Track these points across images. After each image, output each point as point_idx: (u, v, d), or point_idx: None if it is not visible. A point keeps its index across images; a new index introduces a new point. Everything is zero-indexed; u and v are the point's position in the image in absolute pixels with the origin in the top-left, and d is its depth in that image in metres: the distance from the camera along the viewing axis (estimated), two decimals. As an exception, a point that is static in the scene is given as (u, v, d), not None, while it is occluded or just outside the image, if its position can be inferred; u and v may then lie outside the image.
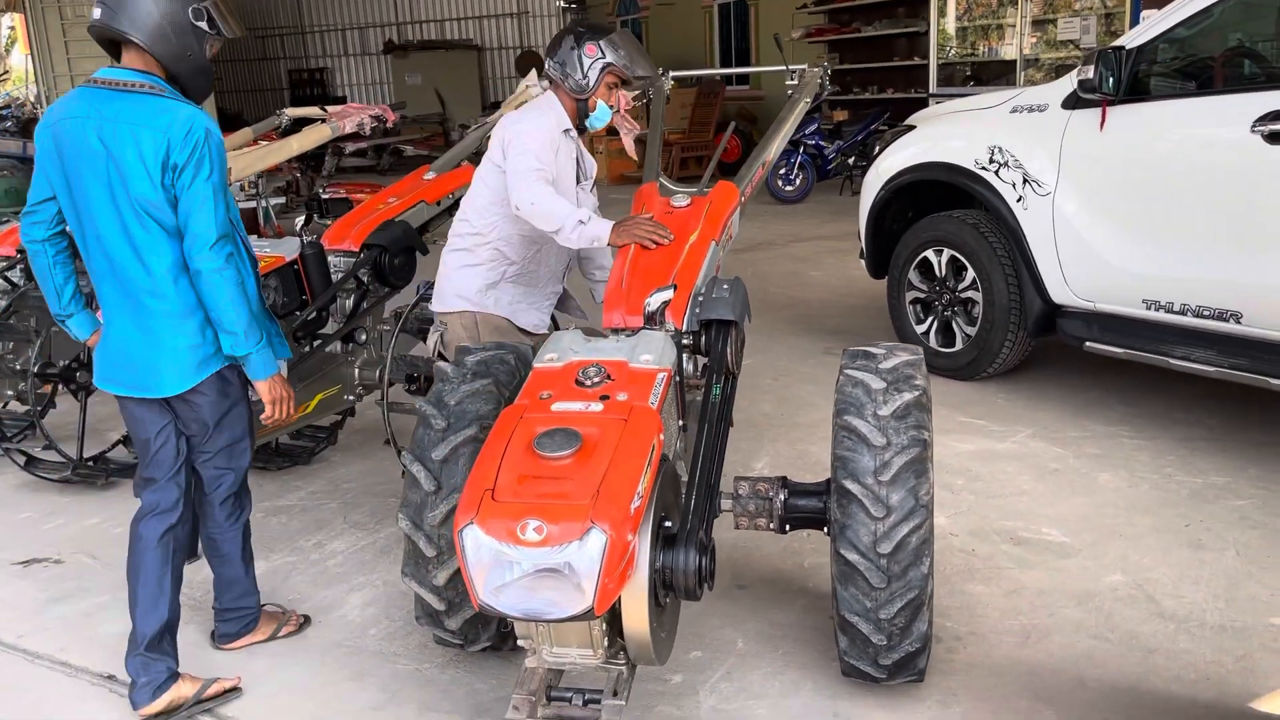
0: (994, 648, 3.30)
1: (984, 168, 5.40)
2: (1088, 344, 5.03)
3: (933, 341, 5.83)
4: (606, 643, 2.44)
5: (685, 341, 3.09)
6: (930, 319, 5.87)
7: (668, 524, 2.56)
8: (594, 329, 2.98)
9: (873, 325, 6.82)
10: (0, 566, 4.14)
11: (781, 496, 3.11)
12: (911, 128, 6.07)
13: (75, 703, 3.21)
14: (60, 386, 4.77)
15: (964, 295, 5.64)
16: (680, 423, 2.86)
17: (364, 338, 4.45)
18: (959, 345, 5.70)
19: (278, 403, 3.02)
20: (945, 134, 5.76)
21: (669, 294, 2.81)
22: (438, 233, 5.04)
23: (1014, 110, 5.35)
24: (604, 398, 2.52)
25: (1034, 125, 5.20)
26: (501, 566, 2.19)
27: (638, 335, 2.79)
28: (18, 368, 4.72)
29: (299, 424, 4.55)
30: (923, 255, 5.84)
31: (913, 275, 5.92)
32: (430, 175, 5.16)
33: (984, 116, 5.54)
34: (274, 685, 3.22)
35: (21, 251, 5.04)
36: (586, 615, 2.18)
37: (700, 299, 3.13)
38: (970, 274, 5.56)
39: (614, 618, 2.44)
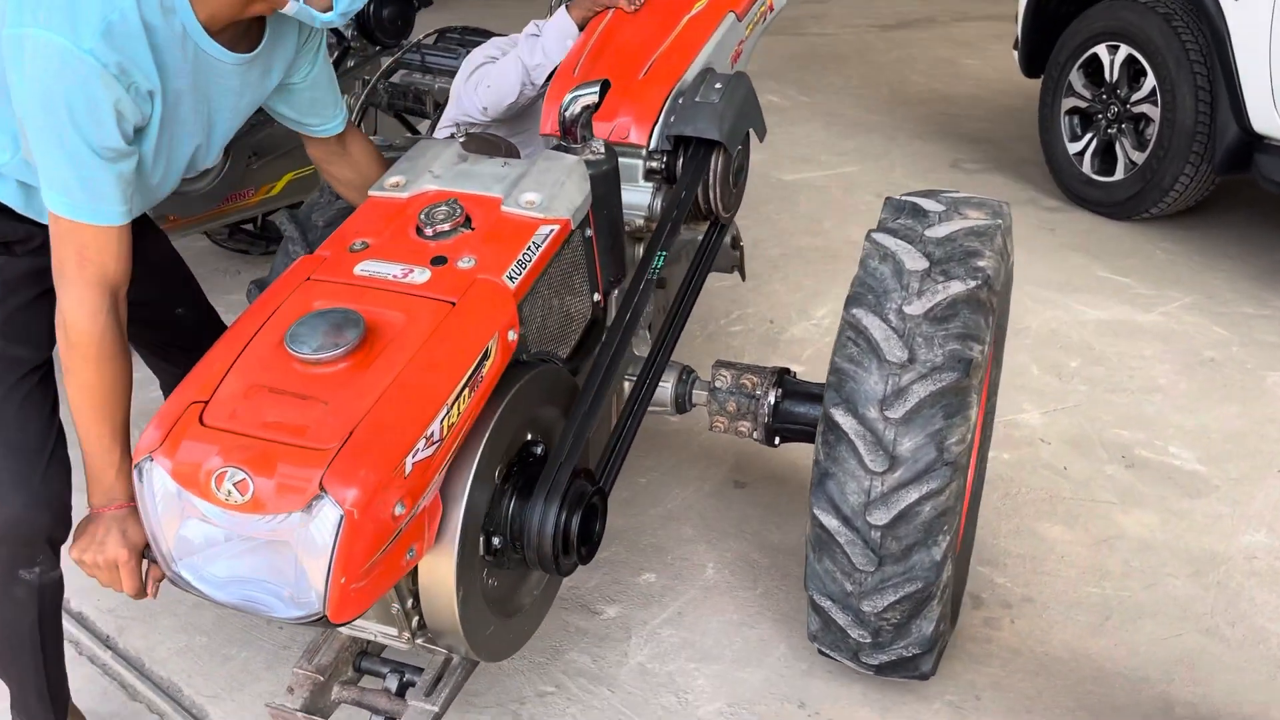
0: (1054, 627, 2.38)
1: (1192, -64, 3.97)
2: (1293, 192, 3.75)
3: (1087, 165, 4.56)
4: (417, 623, 1.64)
5: (653, 165, 2.11)
6: (1089, 136, 4.57)
7: (539, 451, 1.69)
8: (492, 136, 2.03)
9: (1022, 135, 5.50)
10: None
11: (772, 398, 2.19)
12: (1104, -126, 4.56)
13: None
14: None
15: (1137, 109, 4.32)
16: (598, 296, 1.92)
17: (340, 107, 3.56)
18: (1119, 174, 4.43)
19: None
20: (1147, -115, 4.27)
21: (594, 93, 1.81)
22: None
23: None
24: (438, 261, 1.61)
25: (1275, -123, 3.72)
26: (194, 526, 1.39)
27: (536, 158, 1.83)
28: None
29: (265, 206, 3.78)
30: (1092, 51, 4.49)
31: (1075, 77, 4.59)
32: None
33: None
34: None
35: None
36: (319, 622, 1.38)
37: (680, 101, 2.11)
38: (1150, 81, 4.22)
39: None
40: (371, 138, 2.72)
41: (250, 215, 3.85)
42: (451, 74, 3.47)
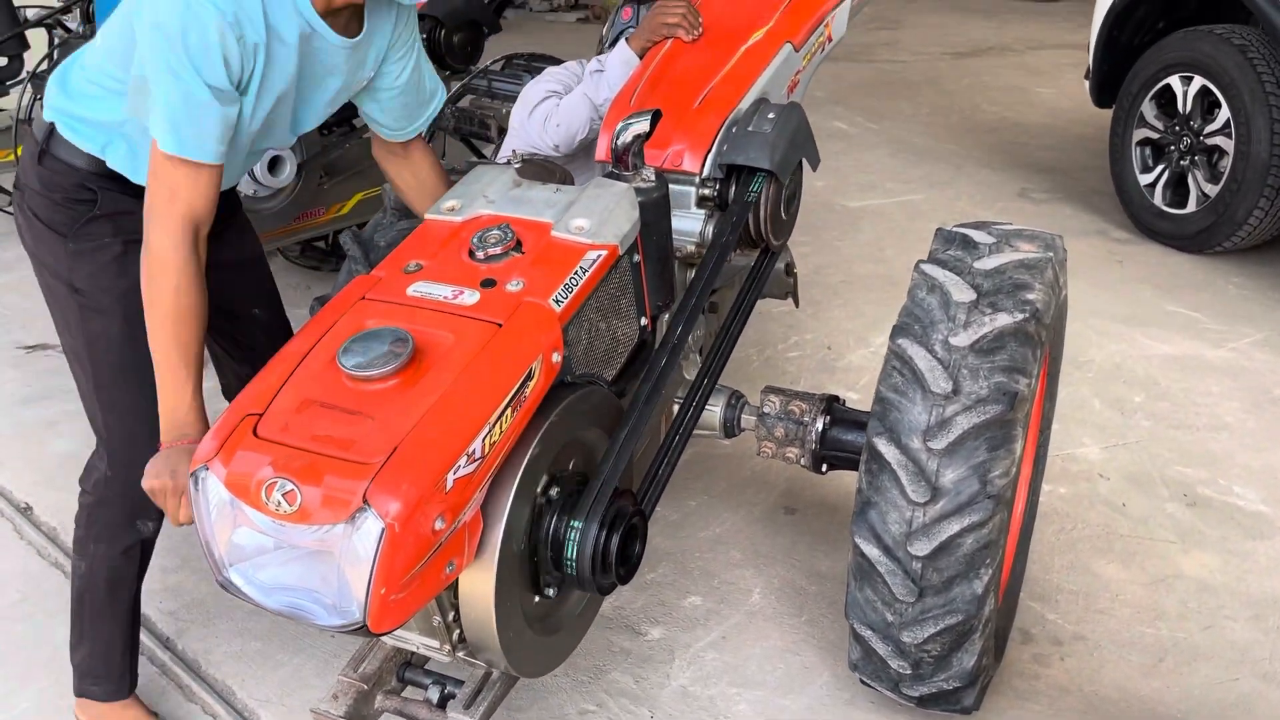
0: (1105, 666, 2.34)
1: (1270, -34, 3.90)
2: (1372, 228, 3.65)
3: (1159, 198, 4.49)
4: (457, 636, 1.68)
5: (706, 192, 2.14)
6: (1161, 167, 4.51)
7: (581, 471, 1.72)
8: (548, 163, 2.07)
9: (1093, 165, 5.43)
10: (5, 350, 3.78)
11: (819, 425, 2.20)
12: (1180, -96, 4.51)
13: (-28, 538, 2.79)
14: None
15: (1210, 141, 4.25)
16: (645, 321, 1.95)
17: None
18: (1191, 206, 4.35)
19: None
20: (1224, -85, 4.21)
21: (645, 122, 1.85)
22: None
23: (1332, -117, 3.78)
24: (487, 283, 1.65)
25: (1358, -93, 3.65)
26: (245, 534, 1.44)
27: (587, 185, 1.87)
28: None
29: (335, 225, 3.89)
30: (1165, 82, 4.43)
31: (1147, 107, 4.53)
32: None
33: (1285, -109, 3.97)
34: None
35: (79, -5, 4.48)
36: (359, 631, 1.42)
37: (734, 130, 2.14)
38: (1224, 113, 4.15)
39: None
40: None
41: (321, 233, 3.97)
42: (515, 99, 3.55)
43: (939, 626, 1.84)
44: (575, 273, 1.68)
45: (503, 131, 3.51)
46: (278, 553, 1.44)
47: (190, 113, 1.63)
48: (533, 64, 3.61)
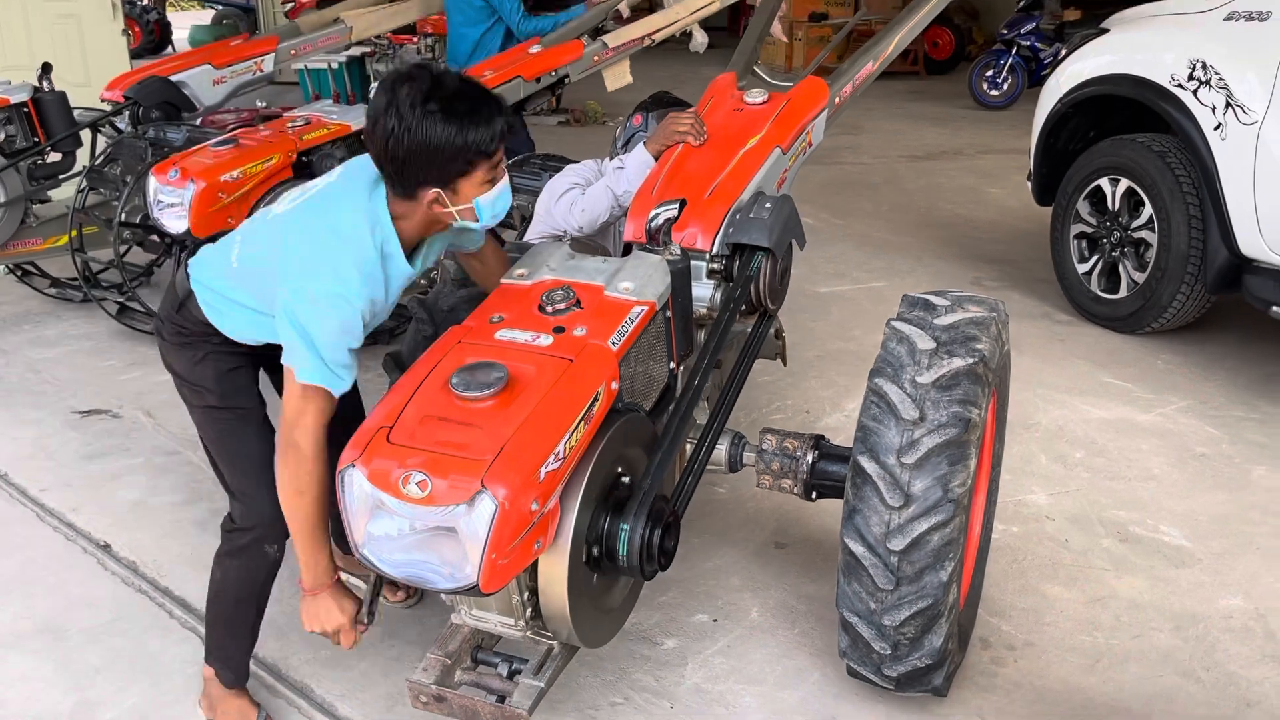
0: (1052, 666, 2.77)
1: (1180, 85, 4.52)
2: (1275, 309, 4.20)
3: (1094, 284, 5.06)
4: (530, 613, 2.09)
5: (715, 266, 2.63)
6: (1096, 258, 5.09)
7: (625, 481, 2.16)
8: (592, 242, 2.55)
9: (1039, 257, 6.01)
10: (62, 414, 4.16)
11: (810, 458, 2.65)
12: (1104, 31, 5.18)
13: (61, 569, 3.14)
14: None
15: (1137, 235, 4.84)
16: (673, 365, 2.41)
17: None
18: (1123, 292, 4.91)
19: None
20: (1141, 42, 4.86)
21: (674, 209, 2.33)
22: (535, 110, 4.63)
23: (1229, 17, 4.43)
24: (558, 330, 2.12)
25: (1250, 37, 4.29)
26: (381, 518, 1.86)
27: (629, 256, 2.35)
28: (107, 218, 4.70)
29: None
30: (1096, 184, 5.03)
31: (1082, 206, 5.13)
32: (537, 49, 4.75)
33: (1190, 23, 4.62)
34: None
35: (129, 98, 4.97)
36: (472, 591, 1.83)
37: (738, 217, 2.64)
38: (1147, 210, 4.74)
39: (546, 585, 2.08)
40: None
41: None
42: (533, 192, 4.05)
43: (913, 610, 2.27)
44: (625, 322, 2.14)
45: (524, 220, 4.02)
46: (402, 538, 1.86)
47: (348, 368, 2.06)
48: (547, 163, 4.12)
